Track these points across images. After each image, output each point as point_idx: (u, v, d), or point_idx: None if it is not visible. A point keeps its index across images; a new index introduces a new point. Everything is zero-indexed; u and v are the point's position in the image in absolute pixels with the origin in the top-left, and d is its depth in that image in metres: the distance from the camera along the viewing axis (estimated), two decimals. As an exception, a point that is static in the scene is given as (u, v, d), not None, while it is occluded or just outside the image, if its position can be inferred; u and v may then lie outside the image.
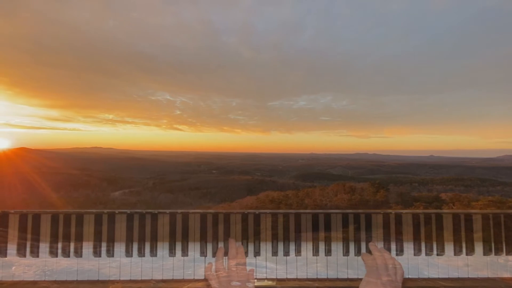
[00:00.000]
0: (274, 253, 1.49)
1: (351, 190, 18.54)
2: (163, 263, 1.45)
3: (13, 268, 1.39)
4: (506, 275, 1.49)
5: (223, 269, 1.38)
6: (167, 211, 1.48)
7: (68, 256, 1.42)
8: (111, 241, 1.45)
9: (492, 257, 1.52)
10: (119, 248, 1.45)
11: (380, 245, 1.51)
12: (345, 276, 1.45)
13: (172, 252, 1.47)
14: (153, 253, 1.46)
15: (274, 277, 1.45)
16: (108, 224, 1.45)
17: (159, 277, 1.43)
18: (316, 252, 1.50)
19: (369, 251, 1.49)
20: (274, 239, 1.50)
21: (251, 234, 1.50)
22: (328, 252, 1.50)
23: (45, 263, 1.41)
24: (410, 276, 1.46)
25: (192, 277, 1.43)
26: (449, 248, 1.52)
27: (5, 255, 1.41)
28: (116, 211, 1.45)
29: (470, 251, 1.51)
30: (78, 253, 1.43)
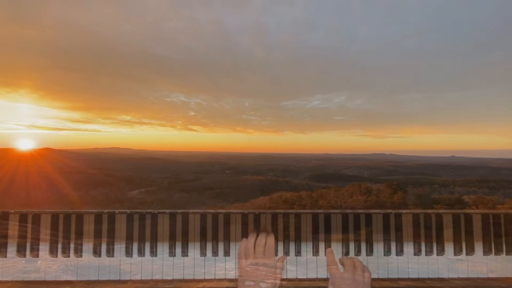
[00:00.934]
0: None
1: (367, 191, 18.05)
2: (163, 263, 1.43)
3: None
4: (506, 275, 1.47)
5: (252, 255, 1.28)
6: (167, 211, 1.46)
7: (68, 256, 1.43)
8: (111, 241, 1.44)
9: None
10: (119, 248, 1.44)
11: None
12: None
13: (172, 252, 1.45)
14: (153, 253, 1.44)
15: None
16: (108, 224, 1.45)
17: (159, 277, 1.42)
18: (315, 252, 1.49)
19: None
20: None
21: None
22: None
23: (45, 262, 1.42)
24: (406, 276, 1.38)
25: (192, 277, 1.42)
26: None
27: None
28: (116, 211, 1.45)
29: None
30: (78, 253, 1.43)
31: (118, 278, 1.40)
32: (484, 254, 1.49)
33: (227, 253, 1.47)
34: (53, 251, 1.43)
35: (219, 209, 1.54)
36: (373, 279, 1.39)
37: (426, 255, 1.48)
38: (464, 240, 1.50)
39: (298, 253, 1.48)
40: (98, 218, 1.45)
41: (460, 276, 1.46)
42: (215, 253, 1.47)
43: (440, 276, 1.45)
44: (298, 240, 1.49)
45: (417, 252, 1.48)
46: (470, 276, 1.46)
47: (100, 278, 1.40)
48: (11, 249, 1.42)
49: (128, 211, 1.45)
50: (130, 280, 1.40)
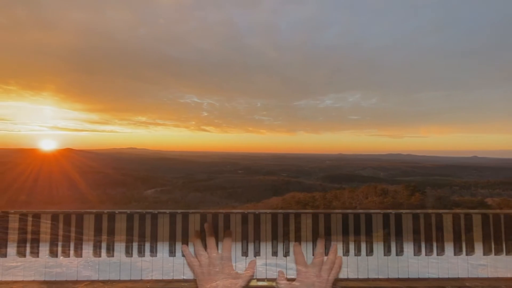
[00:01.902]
0: (274, 253, 1.45)
1: (383, 192, 17.54)
2: (163, 263, 1.43)
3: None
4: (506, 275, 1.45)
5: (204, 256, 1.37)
6: (167, 211, 1.45)
7: (68, 256, 1.44)
8: (111, 241, 1.45)
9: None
10: (119, 248, 1.44)
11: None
12: (345, 276, 1.43)
13: (172, 252, 1.44)
14: (153, 253, 1.44)
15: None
16: (108, 224, 1.45)
17: (160, 277, 1.41)
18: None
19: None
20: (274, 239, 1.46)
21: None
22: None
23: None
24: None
25: (192, 277, 1.40)
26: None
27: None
28: (116, 211, 1.45)
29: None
30: (78, 253, 1.44)
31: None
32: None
33: None
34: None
35: (219, 209, 1.52)
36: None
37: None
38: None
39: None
40: (98, 218, 1.46)
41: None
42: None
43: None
44: (298, 240, 1.46)
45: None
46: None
47: (100, 278, 1.40)
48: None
49: (128, 211, 1.45)
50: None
